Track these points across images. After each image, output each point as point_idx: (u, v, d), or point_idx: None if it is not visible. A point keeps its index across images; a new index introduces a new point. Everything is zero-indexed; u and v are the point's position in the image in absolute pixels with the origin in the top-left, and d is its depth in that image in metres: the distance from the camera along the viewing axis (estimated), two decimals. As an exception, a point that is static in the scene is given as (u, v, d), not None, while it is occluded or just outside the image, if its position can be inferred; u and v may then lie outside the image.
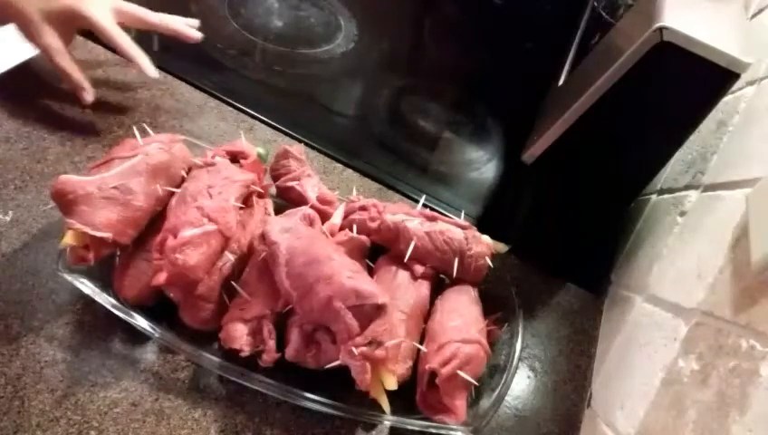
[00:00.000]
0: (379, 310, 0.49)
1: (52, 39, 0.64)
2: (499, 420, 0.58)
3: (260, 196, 0.62)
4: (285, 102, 0.85)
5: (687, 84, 0.56)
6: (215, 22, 0.90)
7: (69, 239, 0.51)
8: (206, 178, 0.57)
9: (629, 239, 0.75)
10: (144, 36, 0.85)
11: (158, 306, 0.53)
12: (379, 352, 0.48)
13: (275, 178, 0.66)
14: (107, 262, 0.55)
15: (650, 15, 0.54)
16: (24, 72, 0.73)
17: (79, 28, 0.68)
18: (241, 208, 0.58)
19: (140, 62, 0.68)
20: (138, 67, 0.68)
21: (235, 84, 0.82)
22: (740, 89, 0.61)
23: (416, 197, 0.73)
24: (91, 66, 0.76)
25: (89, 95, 0.68)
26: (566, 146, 0.62)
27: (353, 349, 0.48)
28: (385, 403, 0.50)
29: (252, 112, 0.78)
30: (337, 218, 0.63)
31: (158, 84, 0.77)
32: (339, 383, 0.51)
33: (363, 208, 0.62)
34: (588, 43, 0.85)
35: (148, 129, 0.61)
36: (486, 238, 0.62)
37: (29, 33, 0.64)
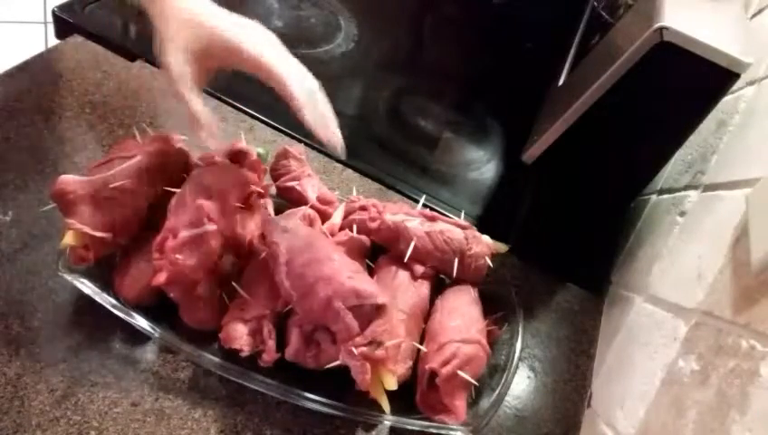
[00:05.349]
0: (379, 310, 0.49)
1: (175, 62, 0.51)
2: (499, 420, 0.58)
3: (260, 196, 0.62)
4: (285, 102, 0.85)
5: (687, 84, 0.56)
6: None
7: (69, 239, 0.51)
8: (206, 178, 0.57)
9: (629, 239, 0.75)
10: (143, 34, 0.85)
11: (158, 306, 0.53)
12: (379, 353, 0.48)
13: (275, 178, 0.66)
14: (107, 262, 0.55)
15: (650, 15, 0.54)
16: (24, 72, 0.73)
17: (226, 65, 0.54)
18: (241, 208, 0.58)
19: (327, 133, 0.53)
20: (323, 139, 0.53)
21: (235, 84, 0.82)
22: (740, 89, 0.61)
23: (416, 197, 0.73)
24: (90, 66, 0.76)
25: (205, 136, 0.52)
26: (566, 146, 0.62)
27: (353, 349, 0.48)
28: (385, 403, 0.50)
29: (252, 112, 0.78)
30: (337, 218, 0.63)
31: (158, 84, 0.77)
32: (339, 383, 0.51)
33: (363, 208, 0.62)
34: (588, 43, 0.85)
35: (148, 129, 0.61)
36: (486, 238, 0.62)
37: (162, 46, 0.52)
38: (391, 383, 0.49)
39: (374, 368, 0.49)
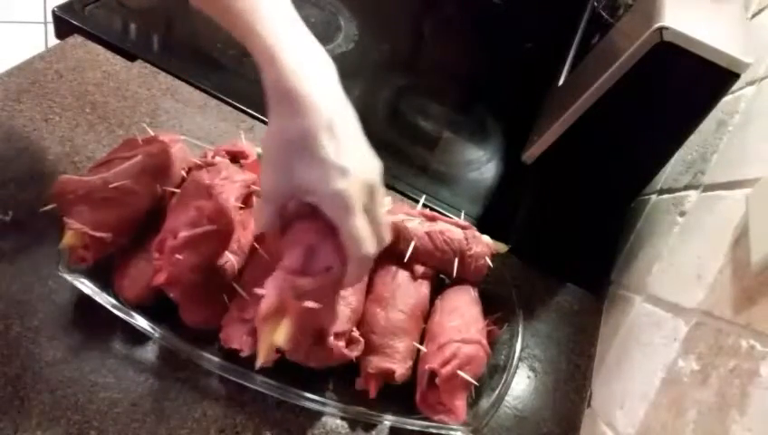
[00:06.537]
0: (333, 280, 0.45)
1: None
2: (499, 420, 0.58)
3: (260, 196, 0.62)
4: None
5: (687, 84, 0.55)
6: (214, 22, 0.90)
7: (69, 239, 0.51)
8: (206, 178, 0.57)
9: (629, 239, 0.75)
10: (143, 34, 0.85)
11: (158, 306, 0.53)
12: (295, 303, 0.43)
13: (275, 178, 0.66)
14: (107, 262, 0.55)
15: (650, 15, 0.54)
16: (24, 71, 0.73)
17: None
18: (241, 208, 0.58)
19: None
20: None
21: (235, 84, 0.82)
22: (740, 89, 0.61)
23: (416, 197, 0.73)
24: (90, 66, 0.76)
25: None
26: (566, 146, 0.62)
27: (283, 276, 0.43)
28: (261, 356, 0.44)
29: (252, 112, 0.78)
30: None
31: (158, 84, 0.77)
32: (339, 383, 0.51)
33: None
34: (588, 43, 0.85)
35: (149, 129, 0.61)
36: (486, 238, 0.62)
37: None
38: (281, 337, 0.43)
39: (280, 313, 0.43)
